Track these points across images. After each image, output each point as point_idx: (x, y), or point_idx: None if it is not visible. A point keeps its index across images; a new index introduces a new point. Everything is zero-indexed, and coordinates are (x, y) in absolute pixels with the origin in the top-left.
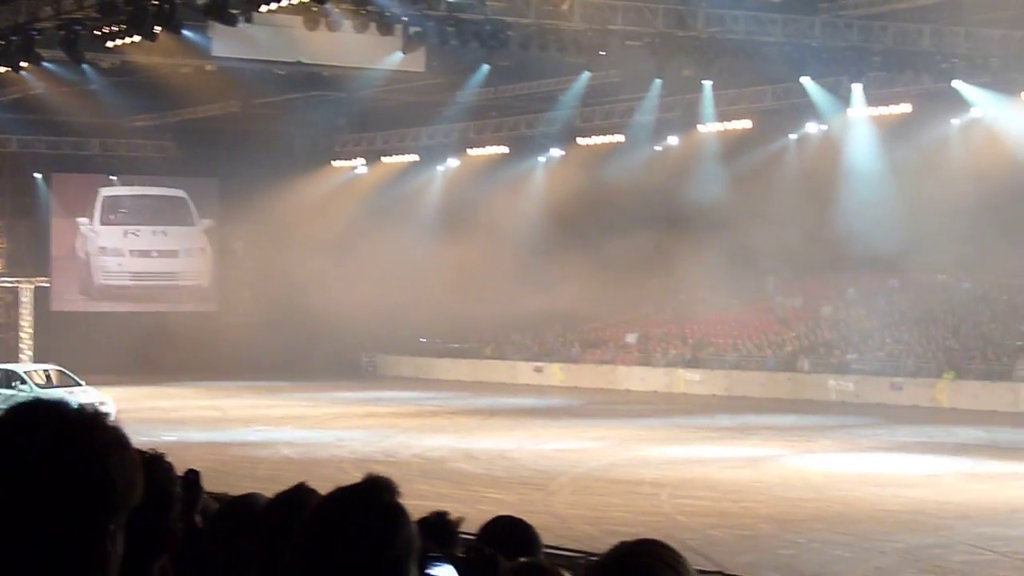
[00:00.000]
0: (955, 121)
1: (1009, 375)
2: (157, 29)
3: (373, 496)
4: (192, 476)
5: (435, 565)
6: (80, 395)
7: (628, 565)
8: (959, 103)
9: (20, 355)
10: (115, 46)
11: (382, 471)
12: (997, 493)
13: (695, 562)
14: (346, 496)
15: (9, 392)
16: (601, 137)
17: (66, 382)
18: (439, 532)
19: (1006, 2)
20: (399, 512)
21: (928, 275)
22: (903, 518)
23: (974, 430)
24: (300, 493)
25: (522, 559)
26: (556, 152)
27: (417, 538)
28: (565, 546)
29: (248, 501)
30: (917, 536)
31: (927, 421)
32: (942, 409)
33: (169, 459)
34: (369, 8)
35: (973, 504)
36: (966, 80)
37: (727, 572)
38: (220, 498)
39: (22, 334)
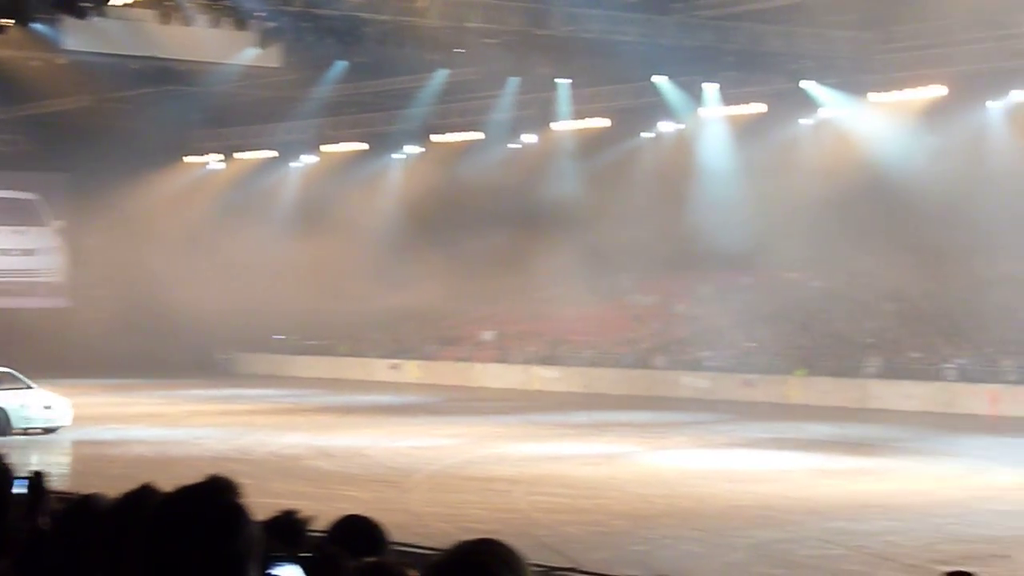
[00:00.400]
0: (806, 121)
1: (858, 372)
2: (6, 21)
3: (213, 496)
4: (37, 477)
5: (279, 565)
6: (32, 397)
7: (466, 564)
8: (810, 103)
9: None
10: None
11: (237, 469)
12: (846, 488)
13: (549, 559)
14: (186, 496)
15: None
16: (458, 134)
17: (15, 384)
18: (287, 531)
19: (854, 4)
20: (239, 512)
21: (780, 273)
22: (754, 513)
23: (824, 426)
24: (144, 493)
25: (369, 558)
26: (413, 149)
27: (259, 538)
28: (420, 544)
29: (92, 502)
30: (767, 531)
31: (778, 417)
32: (793, 405)
33: (9, 460)
34: (223, 3)
35: (823, 499)
36: (816, 81)
37: (581, 569)
38: (68, 499)
39: None
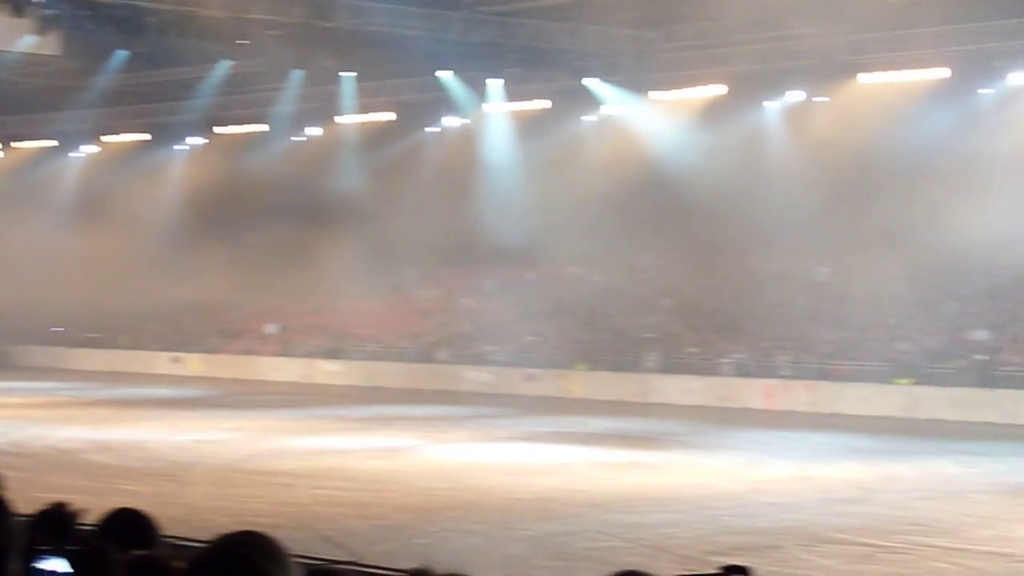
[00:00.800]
0: (589, 118)
1: (637, 366)
2: None
3: None
4: None
5: (44, 558)
6: None
7: (228, 557)
8: (593, 100)
9: None
10: None
11: (12, 463)
12: (625, 481)
13: (330, 553)
14: None
15: None
16: (242, 127)
17: None
18: (55, 524)
19: (637, 3)
20: None
21: (562, 268)
22: (535, 506)
23: (604, 420)
24: None
25: (138, 552)
26: (196, 141)
27: (20, 530)
28: (200, 538)
29: None
30: (548, 524)
31: (560, 411)
32: (574, 399)
33: None
34: None
35: (602, 492)
36: (599, 78)
37: (361, 562)
38: None
39: None
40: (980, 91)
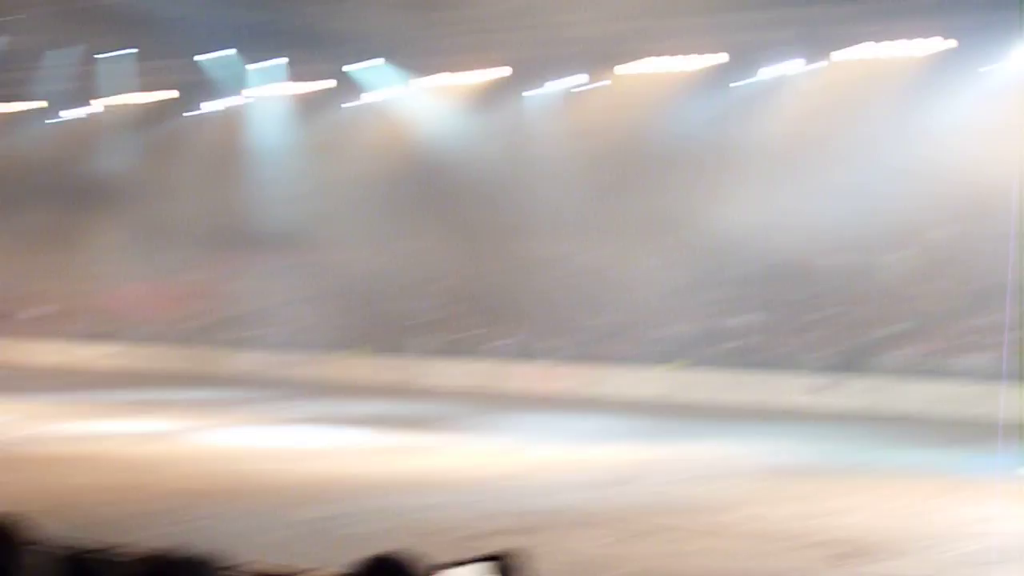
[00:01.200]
0: (360, 102)
1: (408, 350)
2: None
3: None
4: None
5: None
6: None
7: None
8: (365, 84)
9: None
10: None
11: None
12: (394, 464)
13: (86, 539)
14: None
15: None
16: (6, 105)
17: None
18: None
19: None
20: None
21: (332, 252)
22: (306, 491)
23: (374, 404)
24: None
25: None
26: None
27: None
28: None
29: None
30: (319, 508)
31: (329, 395)
32: (344, 384)
33: None
34: None
35: (371, 475)
36: (371, 62)
37: (114, 548)
38: None
39: None
40: (742, 81)
